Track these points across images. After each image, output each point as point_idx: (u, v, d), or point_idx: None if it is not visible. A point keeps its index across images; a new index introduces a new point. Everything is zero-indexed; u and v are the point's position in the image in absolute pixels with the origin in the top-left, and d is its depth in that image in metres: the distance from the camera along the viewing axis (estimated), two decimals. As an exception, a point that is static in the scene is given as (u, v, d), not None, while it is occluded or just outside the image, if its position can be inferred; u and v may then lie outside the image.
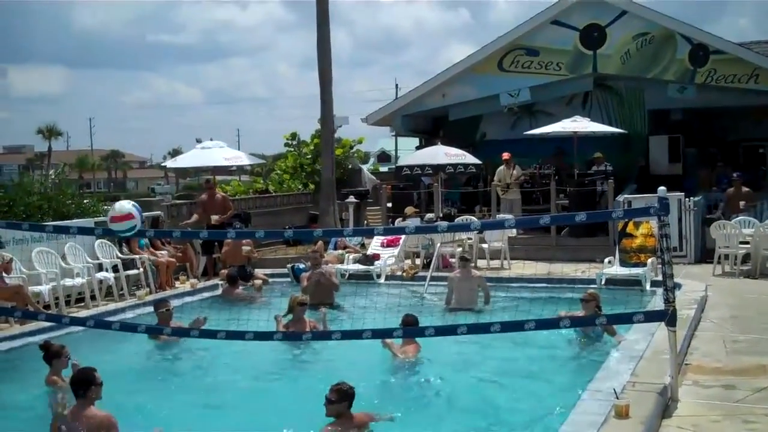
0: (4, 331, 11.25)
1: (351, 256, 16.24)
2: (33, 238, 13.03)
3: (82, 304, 13.28)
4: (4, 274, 11.76)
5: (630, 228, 14.20)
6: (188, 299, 13.95)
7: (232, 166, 24.04)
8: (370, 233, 16.14)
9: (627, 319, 8.43)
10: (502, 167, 19.88)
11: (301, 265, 15.53)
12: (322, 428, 6.77)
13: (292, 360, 10.00)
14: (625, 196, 17.01)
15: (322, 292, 13.08)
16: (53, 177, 20.22)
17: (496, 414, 7.72)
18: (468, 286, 12.55)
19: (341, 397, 6.83)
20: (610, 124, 21.27)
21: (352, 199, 21.50)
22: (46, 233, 12.53)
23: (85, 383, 6.49)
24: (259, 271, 15.50)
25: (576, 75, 21.46)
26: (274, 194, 23.87)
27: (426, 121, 24.62)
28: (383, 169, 42.18)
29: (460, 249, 16.10)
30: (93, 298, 13.37)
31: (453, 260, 15.96)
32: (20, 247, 12.74)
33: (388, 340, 9.43)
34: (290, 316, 10.91)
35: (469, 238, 16.70)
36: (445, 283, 13.08)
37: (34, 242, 13.07)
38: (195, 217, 16.26)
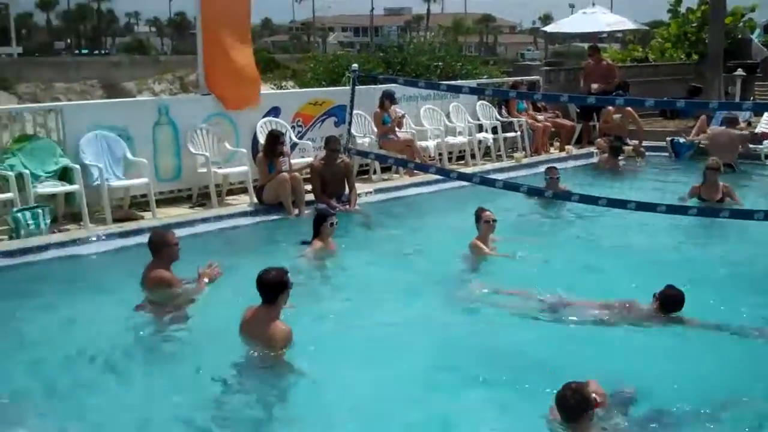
0: (395, 181, 12.23)
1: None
2: (422, 96, 13.81)
3: (462, 162, 13.95)
4: (396, 129, 12.65)
5: None
6: (562, 165, 14.03)
7: (602, 33, 23.27)
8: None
9: None
10: None
11: (681, 140, 14.89)
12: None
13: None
14: None
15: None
16: (431, 38, 21.02)
17: None
18: None
19: (584, 407, 4.60)
20: None
21: (739, 72, 19.90)
22: (436, 91, 13.25)
23: None
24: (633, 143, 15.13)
25: None
26: (653, 63, 22.82)
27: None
28: (774, 40, 38.24)
29: None
30: (472, 156, 13.97)
31: None
32: (411, 104, 13.60)
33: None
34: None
35: None
36: None
37: (422, 100, 13.85)
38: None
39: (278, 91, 18.06)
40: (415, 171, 11.93)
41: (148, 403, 5.32)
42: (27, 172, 8.97)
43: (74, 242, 8.47)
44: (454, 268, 8.15)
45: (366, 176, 12.39)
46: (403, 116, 12.97)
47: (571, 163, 14.26)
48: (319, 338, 6.18)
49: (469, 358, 5.94)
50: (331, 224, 8.47)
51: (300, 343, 5.79)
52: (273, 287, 5.79)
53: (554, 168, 11.36)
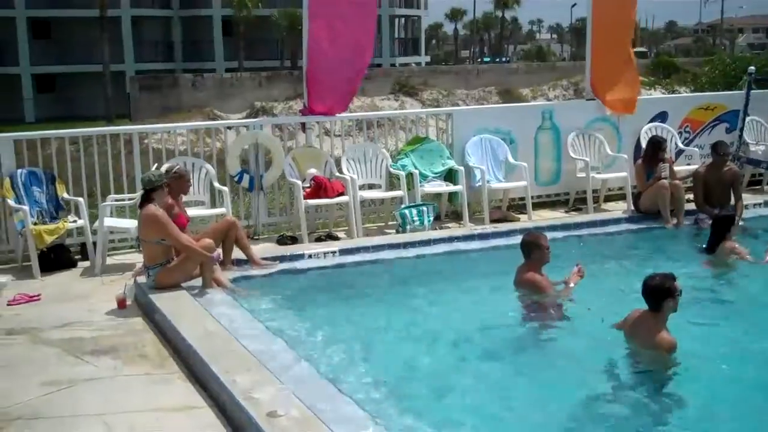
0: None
1: None
2: None
3: None
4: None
5: None
6: None
7: None
8: None
9: None
10: None
11: None
12: None
13: None
14: None
15: None
16: None
17: None
18: None
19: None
20: None
21: None
22: None
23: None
24: None
25: None
26: None
27: None
28: None
29: None
30: None
31: None
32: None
33: None
34: None
35: None
36: None
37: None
38: None
39: (666, 95, 17.46)
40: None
41: (522, 394, 5.47)
42: (416, 172, 9.72)
43: (453, 239, 8.97)
44: None
45: (758, 187, 11.53)
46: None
47: None
48: (706, 351, 5.94)
49: None
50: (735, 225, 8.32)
51: (686, 351, 5.62)
52: (656, 293, 5.67)
53: None
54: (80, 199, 8.58)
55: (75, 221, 8.51)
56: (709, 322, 6.70)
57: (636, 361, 5.74)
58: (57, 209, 8.60)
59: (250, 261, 7.90)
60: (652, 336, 5.66)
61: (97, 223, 8.33)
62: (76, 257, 8.62)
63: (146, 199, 7.16)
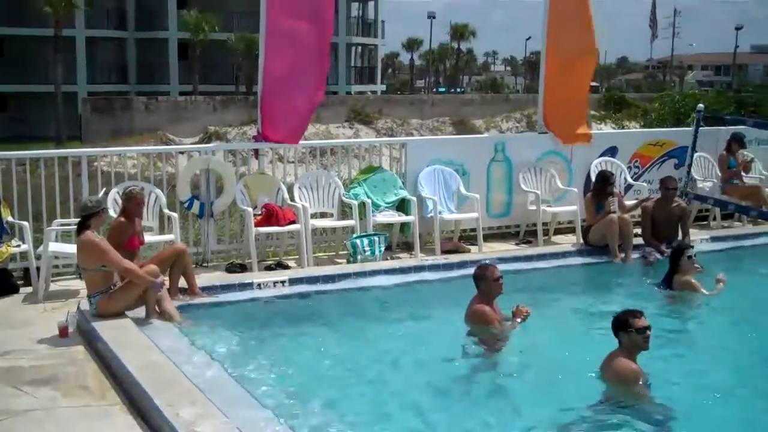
0: (736, 229, 11.46)
1: None
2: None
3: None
4: (743, 174, 11.82)
5: None
6: None
7: None
8: None
9: None
10: None
11: None
12: None
13: None
14: None
15: None
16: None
17: None
18: None
19: None
20: None
21: None
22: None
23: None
24: None
25: None
26: None
27: None
28: None
29: None
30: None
31: None
32: (763, 149, 12.60)
33: None
34: None
35: None
36: None
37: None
38: None
39: (617, 130, 17.76)
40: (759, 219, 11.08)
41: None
42: (369, 201, 9.69)
43: (404, 270, 8.92)
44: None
45: (704, 222, 11.72)
46: (752, 161, 12.09)
47: None
48: (673, 388, 5.97)
49: None
50: (689, 257, 8.27)
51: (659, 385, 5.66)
52: (612, 326, 5.74)
53: None
54: (25, 222, 8.37)
55: (18, 245, 8.31)
56: (670, 356, 6.71)
57: (598, 394, 5.71)
58: (0, 233, 8.37)
59: (189, 290, 7.75)
60: (610, 366, 5.69)
61: (41, 248, 8.13)
62: (19, 282, 8.40)
63: (83, 225, 6.98)
